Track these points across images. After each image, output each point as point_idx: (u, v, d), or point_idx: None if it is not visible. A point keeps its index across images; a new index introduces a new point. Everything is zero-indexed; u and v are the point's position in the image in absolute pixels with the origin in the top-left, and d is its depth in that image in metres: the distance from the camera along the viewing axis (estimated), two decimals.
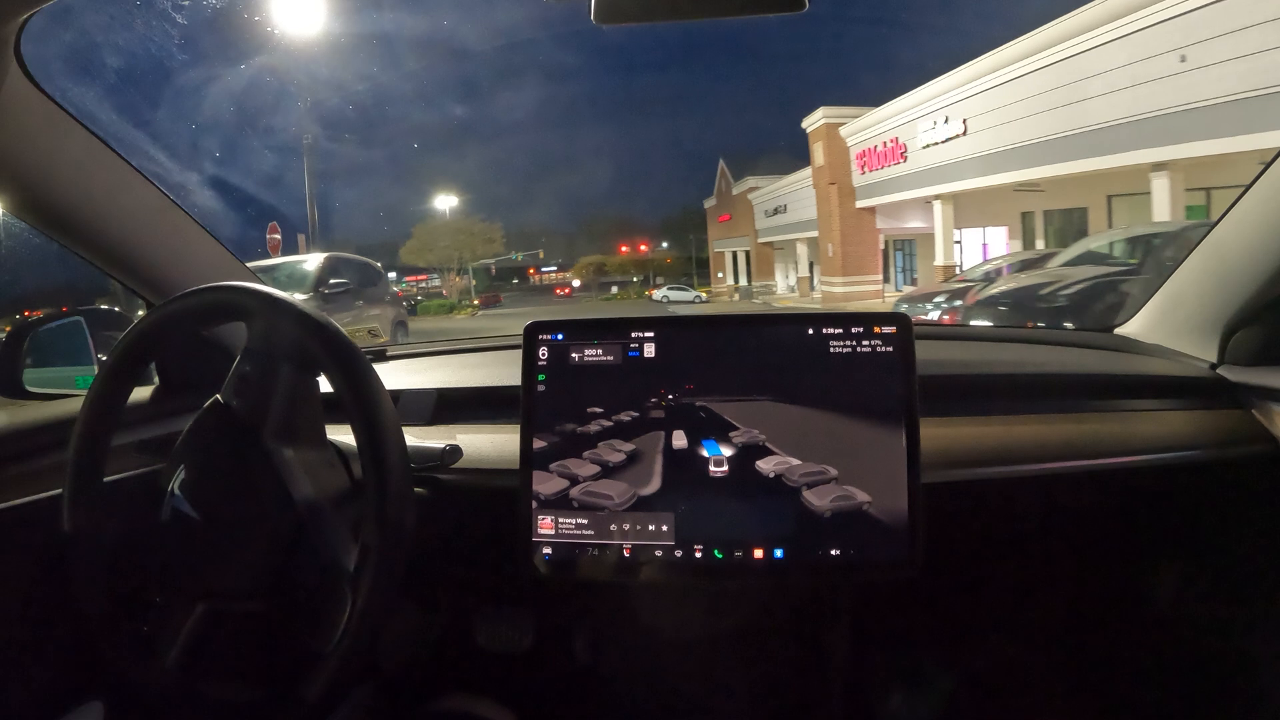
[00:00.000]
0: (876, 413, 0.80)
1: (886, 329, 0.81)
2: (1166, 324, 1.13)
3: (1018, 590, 1.11)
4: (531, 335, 0.85)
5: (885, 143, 14.29)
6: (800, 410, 0.81)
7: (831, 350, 0.82)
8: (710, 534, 0.80)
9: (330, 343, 0.69)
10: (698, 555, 0.80)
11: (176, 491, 0.71)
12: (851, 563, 0.78)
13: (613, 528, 0.81)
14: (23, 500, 0.82)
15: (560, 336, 0.85)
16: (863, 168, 15.32)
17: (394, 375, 1.15)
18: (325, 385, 0.72)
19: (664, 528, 0.80)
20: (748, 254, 25.54)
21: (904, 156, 13.76)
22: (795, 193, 19.37)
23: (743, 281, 26.00)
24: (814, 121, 16.47)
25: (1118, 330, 1.21)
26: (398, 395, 1.05)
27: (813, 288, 19.60)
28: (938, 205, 13.15)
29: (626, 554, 0.81)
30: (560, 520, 0.82)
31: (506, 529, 0.83)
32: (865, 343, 0.81)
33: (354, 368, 0.69)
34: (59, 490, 0.75)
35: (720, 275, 28.74)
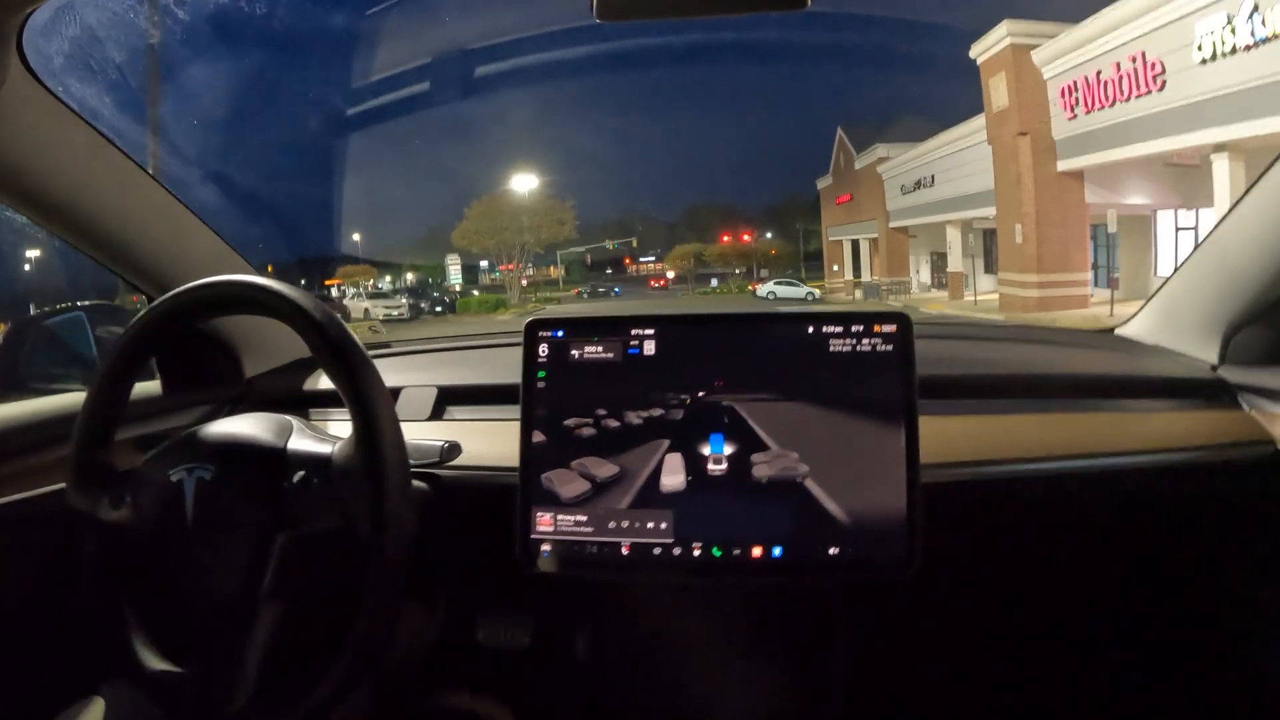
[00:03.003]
0: (876, 411, 0.80)
1: (886, 327, 0.81)
2: (1167, 325, 1.13)
3: (1016, 590, 1.09)
4: (532, 332, 0.86)
5: (1119, 64, 9.14)
6: (798, 407, 0.81)
7: (831, 349, 0.82)
8: (709, 532, 0.81)
9: (330, 337, 0.69)
10: (696, 554, 0.81)
11: (189, 479, 0.70)
12: (850, 562, 0.79)
13: (611, 525, 0.82)
14: (24, 495, 0.83)
15: (560, 333, 0.86)
16: (1070, 109, 10.23)
17: (395, 371, 1.14)
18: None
19: (663, 525, 0.81)
20: (873, 242, 20.65)
21: (1159, 82, 8.58)
22: (949, 157, 14.43)
23: (866, 275, 21.21)
24: (991, 46, 11.38)
25: (1118, 331, 1.22)
26: (398, 391, 1.07)
27: (969, 287, 14.52)
28: (1221, 163, 7.98)
29: (625, 552, 0.82)
30: (559, 517, 0.83)
31: (506, 526, 0.84)
32: (865, 341, 0.82)
33: (353, 364, 0.68)
34: (61, 485, 0.76)
35: (835, 268, 23.94)
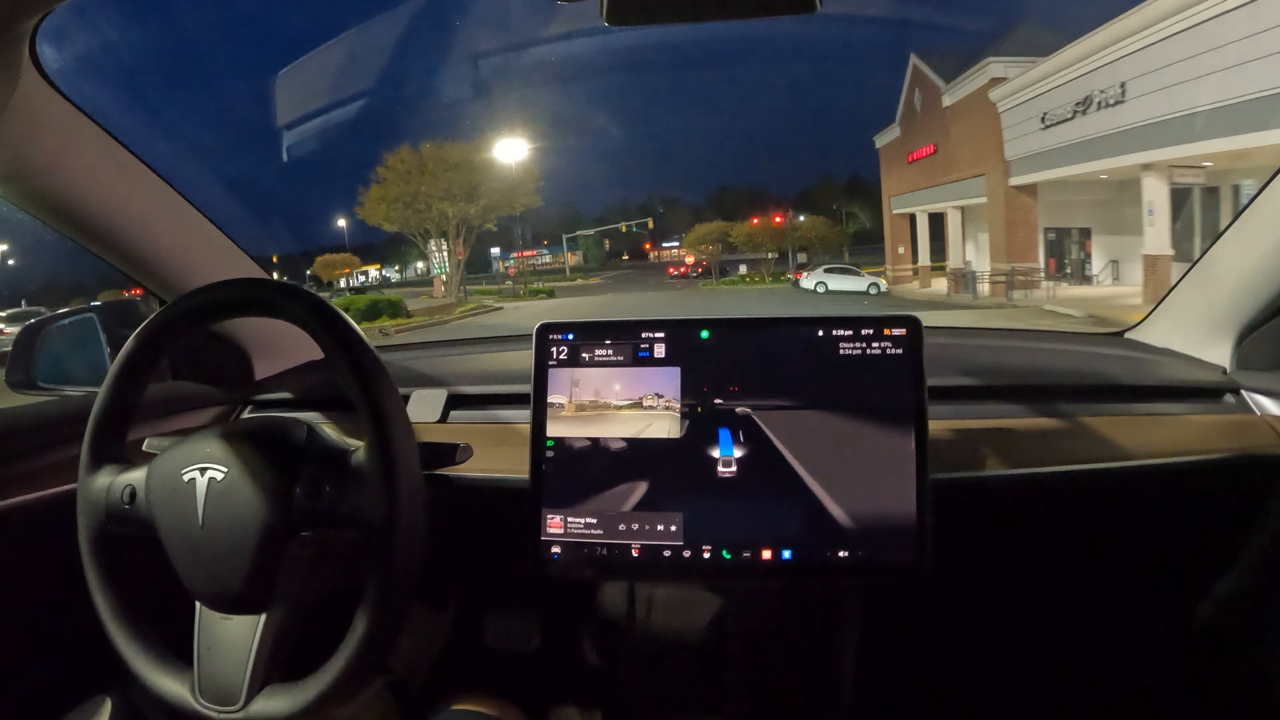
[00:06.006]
0: (885, 415, 0.80)
1: (896, 331, 0.81)
2: (1179, 328, 1.12)
3: (1027, 594, 1.11)
4: (543, 335, 0.86)
5: None
6: (808, 410, 0.81)
7: (841, 352, 0.82)
8: (719, 535, 0.81)
9: (343, 341, 0.69)
10: (706, 556, 0.81)
11: (201, 478, 0.70)
12: (860, 565, 0.79)
13: (622, 527, 0.82)
14: (35, 495, 0.83)
15: (570, 336, 0.86)
16: None
17: (405, 373, 1.15)
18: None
19: (673, 528, 0.81)
20: (965, 212, 14.67)
21: None
22: (1161, 45, 8.26)
23: (956, 260, 15.11)
24: None
25: (1129, 334, 1.21)
26: (409, 394, 1.07)
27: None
28: None
29: (635, 554, 0.81)
30: (570, 520, 0.83)
31: (516, 528, 0.84)
32: (875, 345, 0.81)
33: (366, 368, 0.68)
34: (73, 485, 0.75)
35: (901, 250, 18.10)
